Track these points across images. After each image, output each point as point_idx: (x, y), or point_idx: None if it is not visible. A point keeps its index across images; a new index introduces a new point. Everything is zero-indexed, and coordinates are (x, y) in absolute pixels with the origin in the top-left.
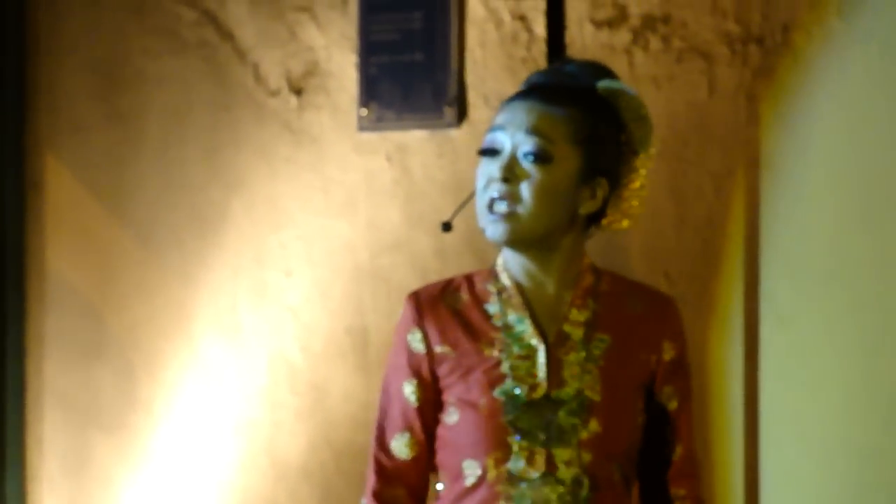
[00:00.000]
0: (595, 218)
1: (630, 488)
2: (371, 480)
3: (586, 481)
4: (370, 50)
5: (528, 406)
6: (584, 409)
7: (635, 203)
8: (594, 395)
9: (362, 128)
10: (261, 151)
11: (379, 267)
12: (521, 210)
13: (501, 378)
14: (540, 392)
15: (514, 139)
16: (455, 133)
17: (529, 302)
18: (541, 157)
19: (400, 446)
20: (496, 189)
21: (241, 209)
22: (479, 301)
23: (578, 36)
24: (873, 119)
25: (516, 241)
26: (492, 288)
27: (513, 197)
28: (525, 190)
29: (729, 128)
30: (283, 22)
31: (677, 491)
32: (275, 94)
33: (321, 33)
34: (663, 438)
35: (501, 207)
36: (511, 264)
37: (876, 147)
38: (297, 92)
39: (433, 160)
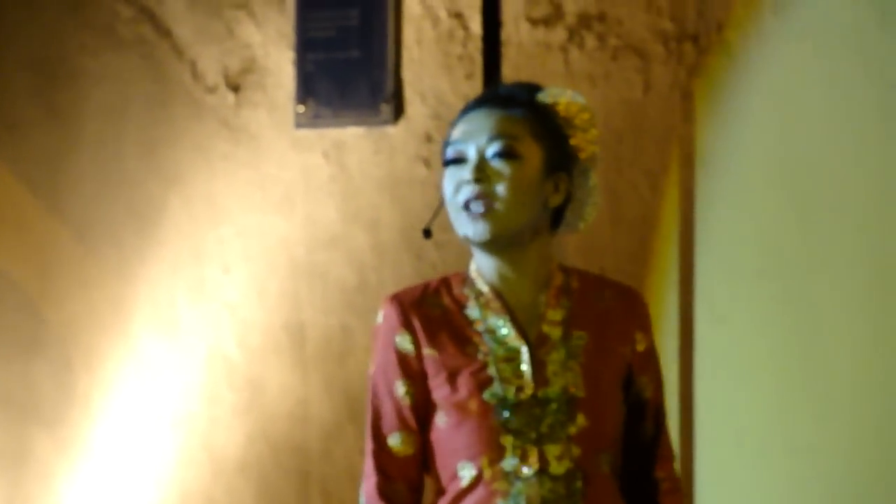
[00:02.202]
0: (555, 221)
1: (617, 476)
2: (372, 479)
3: (578, 474)
4: (307, 47)
5: (517, 406)
6: (571, 405)
7: (590, 206)
8: (578, 391)
9: (299, 125)
10: (198, 148)
11: (315, 263)
12: (499, 206)
13: (489, 381)
14: (527, 392)
15: (479, 145)
16: (392, 130)
17: (507, 304)
18: (510, 154)
19: (397, 444)
20: (469, 191)
21: (179, 205)
22: (459, 305)
23: (514, 33)
24: (807, 116)
25: (496, 238)
26: (469, 292)
27: (488, 195)
28: (500, 187)
29: (664, 125)
30: (220, 19)
31: (658, 474)
32: (212, 90)
33: (258, 30)
34: (643, 426)
35: (478, 207)
36: (484, 269)
37: (810, 144)
38: (235, 89)
39: (370, 157)
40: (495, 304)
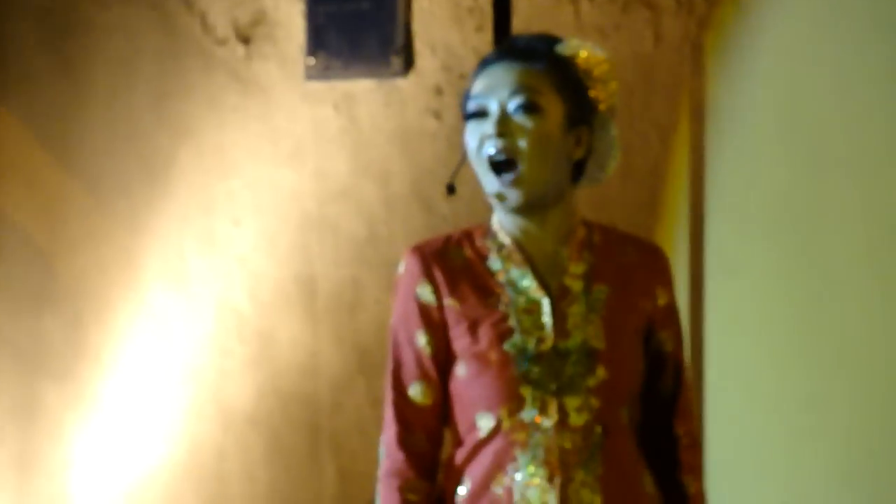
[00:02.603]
0: (576, 174)
1: (636, 430)
2: (392, 429)
3: (597, 427)
4: None
5: (537, 357)
6: (590, 357)
7: (611, 158)
8: (598, 343)
9: (310, 77)
10: (208, 100)
11: (326, 216)
12: (523, 166)
13: (510, 332)
14: (548, 344)
15: (501, 98)
16: (402, 82)
17: (530, 256)
18: (532, 108)
19: (418, 394)
20: (493, 144)
21: (189, 158)
22: (481, 257)
23: None
24: (818, 70)
25: (528, 204)
26: (491, 244)
27: (511, 150)
28: (522, 141)
29: (674, 78)
30: None
31: (678, 430)
32: (222, 43)
33: None
34: (665, 381)
35: (507, 175)
36: (507, 223)
37: (820, 98)
38: (245, 41)
39: (380, 109)
40: (517, 257)
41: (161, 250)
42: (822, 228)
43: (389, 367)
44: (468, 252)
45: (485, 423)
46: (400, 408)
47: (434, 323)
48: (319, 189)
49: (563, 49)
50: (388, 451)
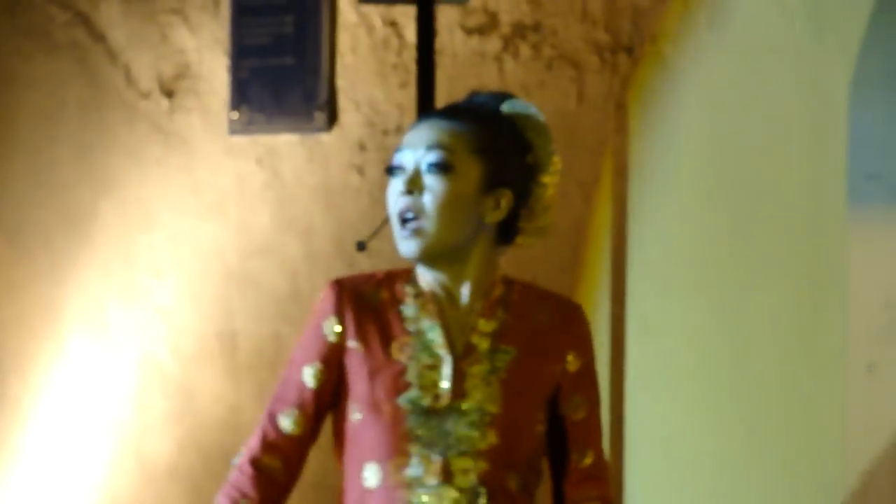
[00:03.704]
0: (507, 234)
1: (531, 495)
2: (252, 445)
3: (482, 490)
4: (241, 53)
5: (430, 415)
6: (484, 420)
7: (545, 218)
8: (494, 407)
9: (233, 131)
10: (131, 153)
11: (249, 270)
12: (426, 223)
13: (406, 385)
14: (443, 402)
15: (417, 155)
16: (325, 137)
17: (443, 310)
18: (442, 167)
19: (287, 421)
20: (401, 202)
21: (112, 210)
22: (396, 301)
23: (449, 43)
24: (741, 129)
25: (427, 256)
26: (409, 290)
27: (417, 209)
28: (428, 201)
29: (597, 136)
30: (154, 24)
31: (589, 493)
32: (146, 95)
33: (193, 36)
34: (575, 447)
35: (410, 224)
36: (425, 274)
37: (743, 157)
38: (169, 94)
39: (304, 164)
40: (431, 307)
41: (82, 302)
42: (743, 289)
43: (276, 386)
44: (385, 294)
45: (370, 475)
46: (266, 429)
47: (331, 360)
48: (242, 243)
49: (508, 107)
50: (240, 463)
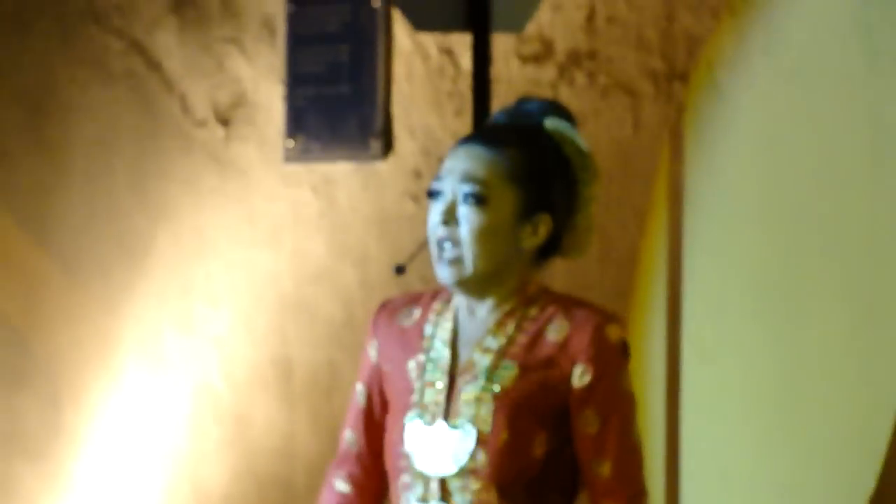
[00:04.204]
0: (549, 250)
1: None
2: (337, 458)
3: None
4: (297, 82)
5: (428, 434)
6: (473, 439)
7: (587, 236)
8: (484, 426)
9: (288, 159)
10: (187, 181)
11: (303, 298)
12: (463, 253)
13: (411, 405)
14: (437, 421)
15: (454, 184)
16: (381, 165)
17: (458, 327)
18: (476, 200)
19: (349, 434)
20: (439, 230)
21: (167, 239)
22: (423, 320)
23: (504, 70)
24: (795, 156)
25: (462, 284)
26: (438, 307)
27: (453, 238)
28: (464, 232)
29: (653, 163)
30: (210, 53)
31: None
32: (202, 124)
33: (249, 64)
34: (593, 462)
35: (447, 252)
36: (457, 294)
37: (797, 184)
38: (224, 123)
39: (358, 192)
40: (446, 325)
41: (138, 331)
42: (800, 314)
43: None
44: (417, 313)
45: (392, 493)
46: (340, 442)
47: (372, 380)
48: (297, 271)
49: (551, 125)
50: (326, 474)
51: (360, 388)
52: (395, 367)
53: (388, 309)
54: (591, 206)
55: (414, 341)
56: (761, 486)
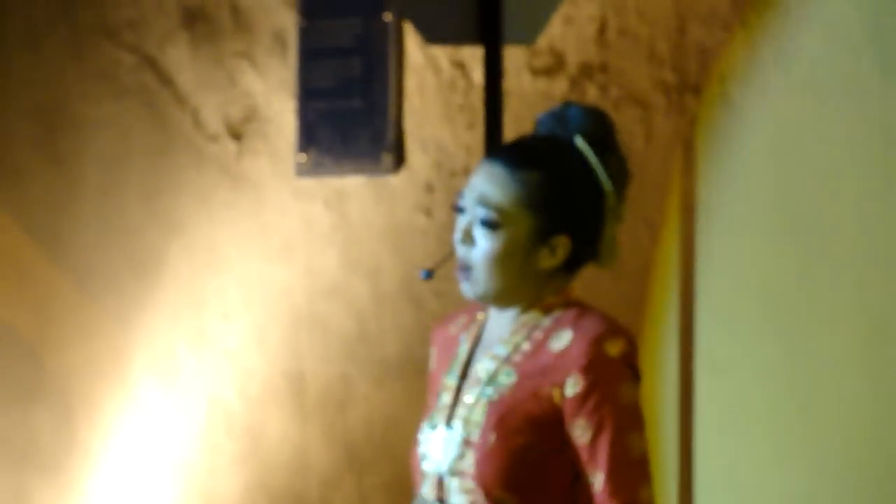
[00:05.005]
0: (578, 261)
1: None
2: None
3: None
4: (309, 96)
5: (434, 437)
6: (465, 444)
7: (611, 253)
8: (475, 430)
9: (300, 173)
10: (199, 196)
11: (316, 312)
12: (476, 274)
13: (432, 409)
14: (440, 425)
15: (472, 204)
16: (393, 179)
17: (481, 335)
18: (488, 225)
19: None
20: (459, 249)
21: (180, 253)
22: (464, 328)
23: (516, 83)
24: (808, 167)
25: (478, 299)
26: (481, 316)
27: (468, 259)
28: (476, 255)
29: (665, 175)
30: (222, 68)
31: None
32: (214, 139)
33: (260, 79)
34: (589, 472)
35: (463, 270)
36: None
37: (810, 196)
38: (236, 137)
39: (371, 206)
40: (473, 333)
41: (151, 345)
42: (813, 326)
43: None
44: (462, 322)
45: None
46: None
47: (431, 387)
48: (310, 285)
49: (581, 143)
50: None
51: (429, 396)
52: (438, 373)
53: (442, 322)
54: (620, 215)
55: (451, 352)
56: (774, 498)
